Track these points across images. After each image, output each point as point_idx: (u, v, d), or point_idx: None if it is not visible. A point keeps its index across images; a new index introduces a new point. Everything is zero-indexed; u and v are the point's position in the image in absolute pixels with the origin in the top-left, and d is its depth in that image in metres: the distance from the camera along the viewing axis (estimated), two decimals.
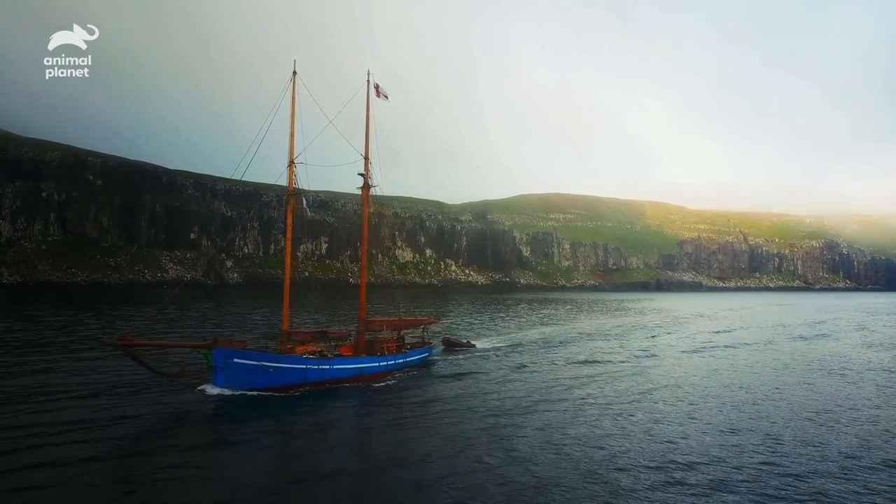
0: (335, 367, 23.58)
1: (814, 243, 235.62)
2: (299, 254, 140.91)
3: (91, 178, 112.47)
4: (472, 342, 36.40)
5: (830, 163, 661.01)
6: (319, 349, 24.42)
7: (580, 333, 46.24)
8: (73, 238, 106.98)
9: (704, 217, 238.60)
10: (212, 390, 20.64)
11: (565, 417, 19.28)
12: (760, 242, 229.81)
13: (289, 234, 25.34)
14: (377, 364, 25.83)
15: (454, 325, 49.69)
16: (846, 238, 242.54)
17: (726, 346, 39.65)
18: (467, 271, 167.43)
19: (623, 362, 31.60)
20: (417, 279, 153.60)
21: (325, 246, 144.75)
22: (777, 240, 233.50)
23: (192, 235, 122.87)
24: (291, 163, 24.52)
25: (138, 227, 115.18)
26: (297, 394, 21.79)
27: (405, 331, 31.32)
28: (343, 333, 26.88)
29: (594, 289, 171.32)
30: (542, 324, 54.14)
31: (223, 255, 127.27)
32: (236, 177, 25.13)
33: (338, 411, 20.45)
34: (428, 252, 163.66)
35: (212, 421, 18.74)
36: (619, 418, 19.27)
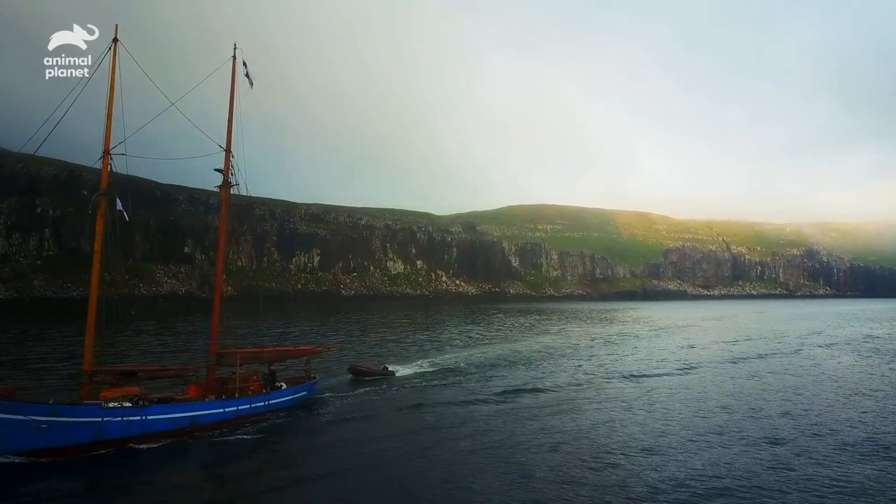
0: (150, 417, 18.03)
1: (794, 251, 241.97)
2: (292, 266, 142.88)
3: (86, 193, 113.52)
4: (391, 368, 30.66)
5: (793, 173, 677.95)
6: (141, 392, 18.82)
7: (543, 350, 42.41)
8: (68, 253, 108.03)
9: (688, 226, 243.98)
10: None
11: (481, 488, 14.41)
12: (743, 251, 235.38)
13: (98, 243, 19.40)
14: (221, 410, 20.08)
15: (394, 344, 43.96)
16: (826, 246, 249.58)
17: (719, 362, 38.34)
18: (458, 282, 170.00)
19: (585, 388, 27.63)
20: (409, 290, 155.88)
21: (317, 258, 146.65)
22: (759, 248, 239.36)
23: (186, 249, 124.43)
24: (106, 153, 19.49)
25: (133, 242, 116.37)
26: (91, 455, 16.48)
27: (280, 364, 25.36)
28: (182, 370, 21.89)
29: (582, 298, 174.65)
30: (504, 339, 49.41)
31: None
32: (27, 150, 19.37)
33: (131, 486, 14.71)
34: (419, 263, 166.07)
35: None
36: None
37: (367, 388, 26.41)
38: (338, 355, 35.41)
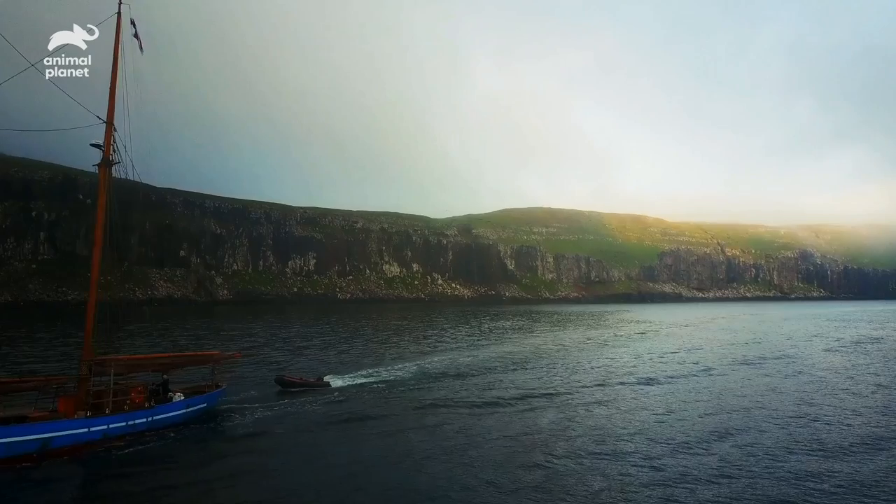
0: None
1: (788, 254, 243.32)
2: (288, 270, 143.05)
3: (81, 196, 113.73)
4: (328, 378, 28.00)
5: (786, 175, 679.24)
6: None
7: (522, 355, 40.30)
8: (64, 257, 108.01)
9: (682, 229, 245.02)
10: None
11: None
12: (737, 254, 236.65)
13: None
14: (85, 430, 17.05)
15: (356, 350, 41.02)
16: (819, 249, 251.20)
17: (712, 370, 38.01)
18: (454, 285, 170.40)
19: (556, 395, 25.31)
20: (405, 293, 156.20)
21: (313, 262, 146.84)
22: (753, 251, 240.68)
23: (182, 253, 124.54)
24: None
25: (128, 246, 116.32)
26: None
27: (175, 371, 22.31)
28: (44, 381, 18.44)
29: (577, 301, 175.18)
30: (482, 344, 46.83)
31: (213, 271, 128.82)
32: None
33: None
34: (414, 266, 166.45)
35: None
36: None
37: (289, 401, 23.27)
38: (283, 363, 33.19)
